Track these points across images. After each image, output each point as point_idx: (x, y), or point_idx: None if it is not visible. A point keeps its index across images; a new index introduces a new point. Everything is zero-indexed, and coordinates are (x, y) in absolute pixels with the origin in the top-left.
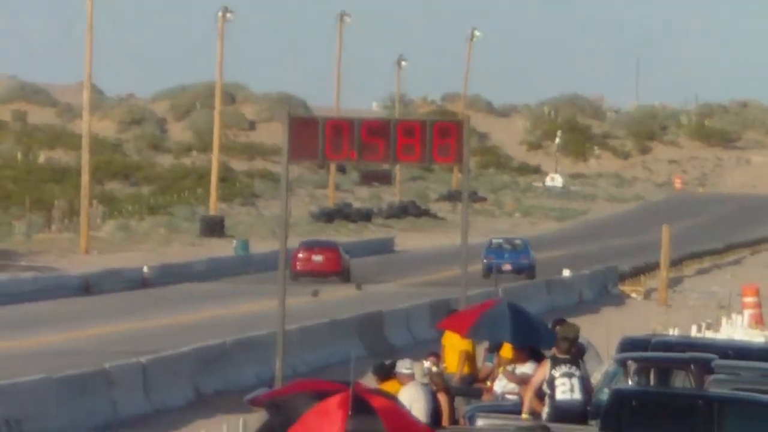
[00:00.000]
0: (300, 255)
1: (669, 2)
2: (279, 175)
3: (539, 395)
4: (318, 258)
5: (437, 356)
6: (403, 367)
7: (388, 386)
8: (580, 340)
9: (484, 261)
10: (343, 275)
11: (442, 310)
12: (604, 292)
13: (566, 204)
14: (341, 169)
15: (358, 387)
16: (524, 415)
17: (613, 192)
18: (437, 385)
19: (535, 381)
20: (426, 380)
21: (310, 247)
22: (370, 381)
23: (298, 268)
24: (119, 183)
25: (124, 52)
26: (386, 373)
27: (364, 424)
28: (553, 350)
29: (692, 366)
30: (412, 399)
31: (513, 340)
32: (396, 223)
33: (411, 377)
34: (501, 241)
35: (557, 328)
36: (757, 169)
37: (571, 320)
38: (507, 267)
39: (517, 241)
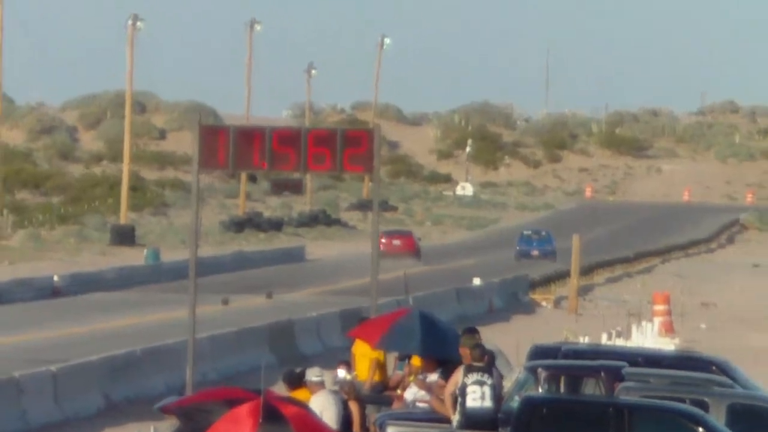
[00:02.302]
0: (383, 240)
1: (578, 10)
2: (190, 185)
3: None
4: (397, 242)
5: (348, 365)
6: (313, 375)
7: (299, 394)
8: (490, 347)
9: (517, 248)
10: (417, 255)
11: (353, 319)
12: (515, 300)
13: (477, 213)
14: (252, 179)
15: (268, 395)
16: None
17: (523, 200)
18: (348, 393)
19: (449, 388)
20: (336, 388)
21: (391, 234)
22: (280, 389)
23: (383, 249)
24: (29, 192)
25: (33, 59)
26: (296, 381)
27: (274, 431)
28: (468, 357)
29: (602, 374)
30: (323, 407)
31: (422, 352)
32: (307, 232)
33: (321, 385)
34: (530, 232)
35: (464, 336)
36: (668, 178)
37: (481, 329)
38: (535, 253)
39: (543, 233)
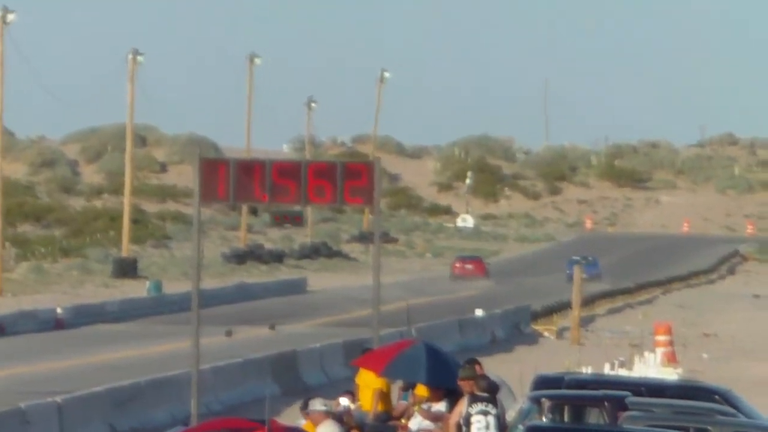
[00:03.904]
0: (457, 264)
1: (576, 43)
2: (191, 217)
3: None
4: (469, 266)
5: (351, 394)
6: (317, 405)
7: (306, 427)
8: (494, 378)
9: (567, 272)
10: (486, 277)
11: (356, 350)
12: (517, 331)
13: (477, 245)
14: (253, 211)
15: (273, 424)
16: None
17: (523, 232)
18: (348, 422)
19: (453, 418)
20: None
21: (464, 259)
22: (285, 419)
23: (456, 273)
24: (31, 225)
25: (34, 93)
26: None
27: None
28: (473, 387)
29: (606, 403)
30: None
31: (429, 381)
32: (308, 264)
33: (326, 415)
34: (579, 258)
35: (464, 368)
36: (667, 209)
37: (484, 359)
38: (583, 275)
39: (590, 258)
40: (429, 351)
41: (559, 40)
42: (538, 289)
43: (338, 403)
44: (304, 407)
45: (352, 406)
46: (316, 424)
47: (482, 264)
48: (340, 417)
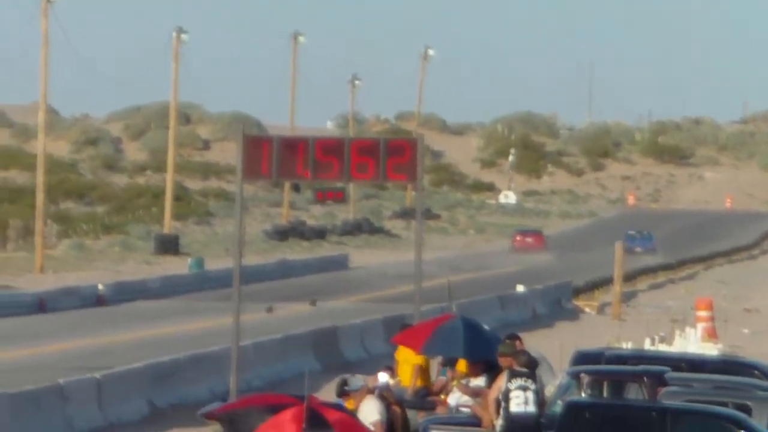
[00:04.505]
0: (518, 238)
1: (620, 20)
2: (233, 194)
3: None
4: (529, 239)
5: (391, 370)
6: (356, 382)
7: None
8: (533, 353)
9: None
10: (545, 249)
11: (396, 326)
12: (558, 307)
13: (520, 221)
14: (296, 188)
15: (312, 400)
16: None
17: (566, 208)
18: (388, 398)
19: (492, 393)
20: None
21: (524, 232)
22: (324, 395)
23: (517, 246)
24: (74, 202)
25: (78, 72)
26: (342, 393)
27: None
28: (512, 362)
29: (645, 378)
30: (370, 413)
31: (467, 355)
32: (350, 241)
33: (367, 391)
34: (634, 232)
35: (507, 341)
36: (710, 186)
37: (525, 335)
38: (638, 249)
39: (645, 232)
40: (467, 325)
41: (602, 17)
42: (594, 262)
43: (376, 379)
44: (341, 391)
45: (392, 382)
46: (357, 401)
47: (542, 237)
48: (380, 393)
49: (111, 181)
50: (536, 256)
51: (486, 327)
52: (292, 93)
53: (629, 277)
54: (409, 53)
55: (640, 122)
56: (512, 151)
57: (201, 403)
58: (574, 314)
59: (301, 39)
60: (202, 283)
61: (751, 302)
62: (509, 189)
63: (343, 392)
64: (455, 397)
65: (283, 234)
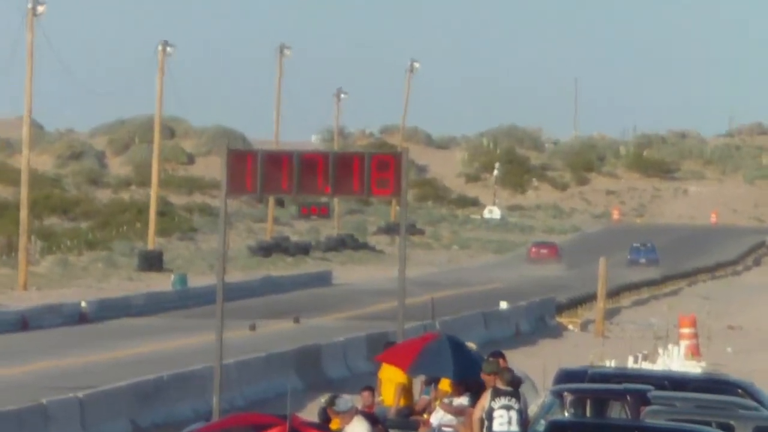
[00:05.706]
0: (533, 249)
1: (605, 34)
2: (218, 210)
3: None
4: (544, 251)
5: (372, 390)
6: (343, 404)
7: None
8: (517, 372)
9: (628, 257)
10: (559, 261)
11: (379, 343)
12: (541, 324)
13: (504, 236)
14: (280, 203)
15: (294, 420)
16: None
17: (550, 223)
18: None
19: (476, 413)
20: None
21: (539, 244)
22: (307, 415)
23: (533, 257)
24: (58, 218)
25: (63, 85)
26: (325, 415)
27: None
28: (495, 380)
29: (628, 397)
30: None
31: (456, 375)
32: (334, 257)
33: (354, 411)
34: (638, 245)
35: (490, 359)
36: (695, 200)
37: (508, 352)
38: (642, 261)
39: (648, 245)
40: (453, 345)
41: (587, 31)
42: (581, 276)
43: (363, 399)
44: (324, 416)
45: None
46: (344, 422)
47: (556, 249)
48: (368, 414)
49: (95, 196)
50: (548, 266)
51: (470, 344)
52: (277, 107)
53: (612, 294)
54: (394, 67)
55: (625, 136)
56: (497, 165)
57: (184, 422)
58: (557, 331)
59: (287, 52)
60: (185, 300)
61: (735, 319)
62: (494, 204)
63: (326, 417)
64: (438, 417)
65: (267, 250)
